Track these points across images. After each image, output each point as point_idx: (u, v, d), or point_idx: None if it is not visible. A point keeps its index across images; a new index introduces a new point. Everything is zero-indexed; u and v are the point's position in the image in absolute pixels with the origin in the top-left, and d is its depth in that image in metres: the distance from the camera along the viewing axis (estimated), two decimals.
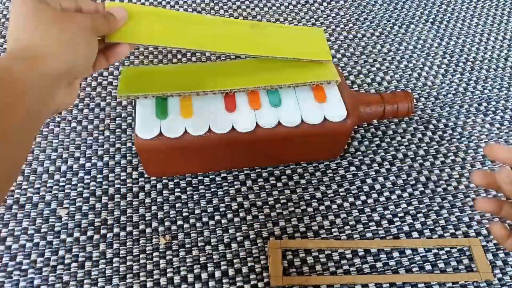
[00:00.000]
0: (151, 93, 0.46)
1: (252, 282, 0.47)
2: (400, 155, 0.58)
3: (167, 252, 0.49)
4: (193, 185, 0.54)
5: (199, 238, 0.50)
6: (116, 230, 0.50)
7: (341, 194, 0.54)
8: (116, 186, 0.53)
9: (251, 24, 0.49)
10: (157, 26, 0.43)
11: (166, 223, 0.51)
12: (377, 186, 0.55)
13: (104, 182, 0.53)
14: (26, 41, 0.32)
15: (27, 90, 0.30)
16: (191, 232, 0.50)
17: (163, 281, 0.47)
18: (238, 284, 0.47)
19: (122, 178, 0.54)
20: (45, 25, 0.32)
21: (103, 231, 0.50)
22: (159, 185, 0.53)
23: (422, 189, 0.55)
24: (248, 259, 0.49)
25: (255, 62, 0.50)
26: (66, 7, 0.36)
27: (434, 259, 0.49)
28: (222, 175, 0.55)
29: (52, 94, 0.33)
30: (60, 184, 0.53)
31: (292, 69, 0.49)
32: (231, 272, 0.48)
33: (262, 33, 0.49)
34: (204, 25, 0.46)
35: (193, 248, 0.49)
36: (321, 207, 0.53)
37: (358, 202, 0.53)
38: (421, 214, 0.53)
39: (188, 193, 0.53)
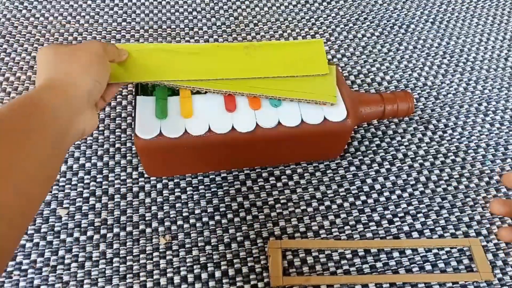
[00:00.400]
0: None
1: (252, 282, 0.47)
2: (400, 155, 0.58)
3: (167, 252, 0.49)
4: (193, 185, 0.54)
5: (199, 238, 0.50)
6: (116, 230, 0.50)
7: (341, 194, 0.54)
8: (116, 186, 0.53)
9: (245, 45, 0.50)
10: (152, 62, 0.47)
11: (166, 223, 0.51)
12: (377, 186, 0.55)
13: (104, 182, 0.53)
14: (52, 75, 0.36)
15: (55, 115, 0.33)
16: (191, 232, 0.50)
17: (163, 281, 0.47)
18: (238, 284, 0.47)
19: (122, 178, 0.54)
20: (66, 59, 0.38)
21: (103, 231, 0.50)
22: (159, 185, 0.53)
23: (422, 189, 0.55)
24: (248, 259, 0.49)
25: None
26: None
27: (434, 259, 0.49)
28: (222, 175, 0.55)
29: (78, 118, 0.36)
30: (60, 184, 0.53)
31: (291, 82, 0.48)
32: (231, 272, 0.48)
33: (256, 54, 0.49)
34: (199, 54, 0.48)
35: (193, 248, 0.49)
36: (321, 207, 0.53)
37: (358, 202, 0.53)
38: (421, 214, 0.53)
39: (188, 193, 0.53)
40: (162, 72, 0.46)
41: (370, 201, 0.53)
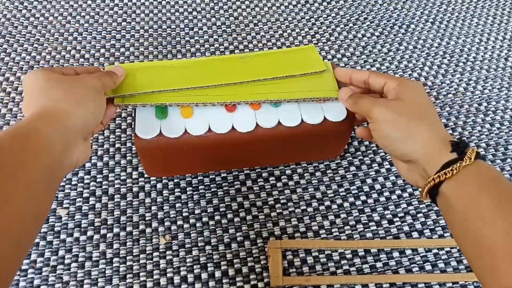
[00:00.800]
0: (149, 102, 0.46)
1: (252, 282, 0.47)
2: None
3: (167, 252, 0.49)
4: (193, 185, 0.54)
5: (199, 238, 0.50)
6: (116, 230, 0.50)
7: (341, 194, 0.54)
8: (116, 186, 0.53)
9: (240, 56, 0.50)
10: (147, 78, 0.46)
11: (166, 223, 0.51)
12: (377, 186, 0.55)
13: (104, 182, 0.53)
14: (46, 103, 0.35)
15: (48, 144, 0.32)
16: (191, 232, 0.50)
17: (163, 281, 0.47)
18: (238, 284, 0.47)
19: (122, 178, 0.54)
20: (60, 88, 0.36)
21: (103, 231, 0.50)
22: (159, 185, 0.53)
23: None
24: (248, 259, 0.49)
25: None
26: (68, 74, 0.40)
27: (434, 259, 0.49)
28: (222, 175, 0.55)
29: (71, 149, 0.35)
30: (60, 184, 0.53)
31: (292, 83, 0.48)
32: (231, 272, 0.48)
33: (252, 61, 0.49)
34: (194, 68, 0.48)
35: (193, 248, 0.49)
36: (321, 207, 0.53)
37: (358, 202, 0.53)
38: (421, 214, 0.52)
39: (188, 193, 0.53)
40: (158, 84, 0.46)
41: (370, 201, 0.53)
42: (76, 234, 0.49)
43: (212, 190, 0.53)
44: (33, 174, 0.30)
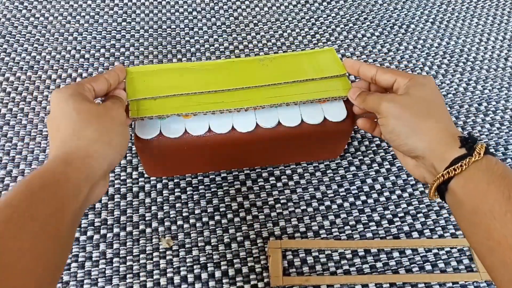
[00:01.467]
0: (165, 114, 0.45)
1: (252, 282, 0.47)
2: None
3: (167, 252, 0.49)
4: (193, 185, 0.54)
5: (199, 238, 0.50)
6: (116, 230, 0.50)
7: (341, 194, 0.54)
8: (116, 186, 0.53)
9: (260, 58, 0.50)
10: (165, 82, 0.46)
11: (166, 223, 0.51)
12: (377, 186, 0.55)
13: None
14: (79, 144, 0.34)
15: (77, 193, 0.32)
16: (191, 232, 0.50)
17: (163, 281, 0.47)
18: (238, 284, 0.47)
19: (122, 178, 0.54)
20: (94, 128, 0.35)
21: (103, 231, 0.50)
22: (159, 185, 0.53)
23: (422, 189, 0.55)
24: (248, 259, 0.49)
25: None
26: (100, 89, 0.40)
27: (434, 259, 0.49)
28: (222, 175, 0.55)
29: (94, 188, 0.35)
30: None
31: (308, 85, 0.48)
32: (231, 272, 0.48)
33: (272, 64, 0.49)
34: (214, 70, 0.48)
35: (193, 248, 0.49)
36: (321, 207, 0.53)
37: (358, 202, 0.53)
38: (421, 214, 0.52)
39: (188, 193, 0.53)
40: (176, 88, 0.46)
41: (370, 201, 0.53)
42: (76, 234, 0.49)
43: (212, 190, 0.53)
44: (61, 224, 0.30)
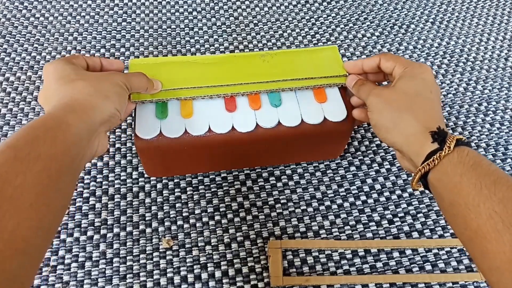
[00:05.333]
0: (165, 98, 0.46)
1: (252, 282, 0.47)
2: None
3: (167, 252, 0.49)
4: (193, 185, 0.54)
5: (199, 238, 0.50)
6: (116, 230, 0.50)
7: (341, 194, 0.54)
8: (116, 186, 0.53)
9: (261, 53, 0.50)
10: (169, 74, 0.47)
11: (166, 223, 0.51)
12: (377, 186, 0.55)
13: (104, 182, 0.53)
14: (75, 95, 0.35)
15: (77, 139, 0.33)
16: (191, 232, 0.50)
17: (163, 281, 0.47)
18: (238, 284, 0.47)
19: (122, 178, 0.54)
20: (90, 81, 0.37)
21: (103, 231, 0.50)
22: (159, 185, 0.53)
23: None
24: (248, 259, 0.49)
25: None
26: (92, 64, 0.42)
27: (434, 259, 0.49)
28: (222, 175, 0.55)
29: (93, 141, 0.36)
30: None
31: (299, 83, 0.49)
32: (231, 272, 0.48)
33: (273, 60, 0.50)
34: (216, 64, 0.49)
35: (193, 248, 0.49)
36: (321, 207, 0.53)
37: (358, 202, 0.53)
38: (421, 214, 0.52)
39: (188, 193, 0.53)
40: (179, 82, 0.47)
41: (370, 201, 0.53)
42: (76, 234, 0.49)
43: (212, 190, 0.53)
44: (63, 167, 0.31)
